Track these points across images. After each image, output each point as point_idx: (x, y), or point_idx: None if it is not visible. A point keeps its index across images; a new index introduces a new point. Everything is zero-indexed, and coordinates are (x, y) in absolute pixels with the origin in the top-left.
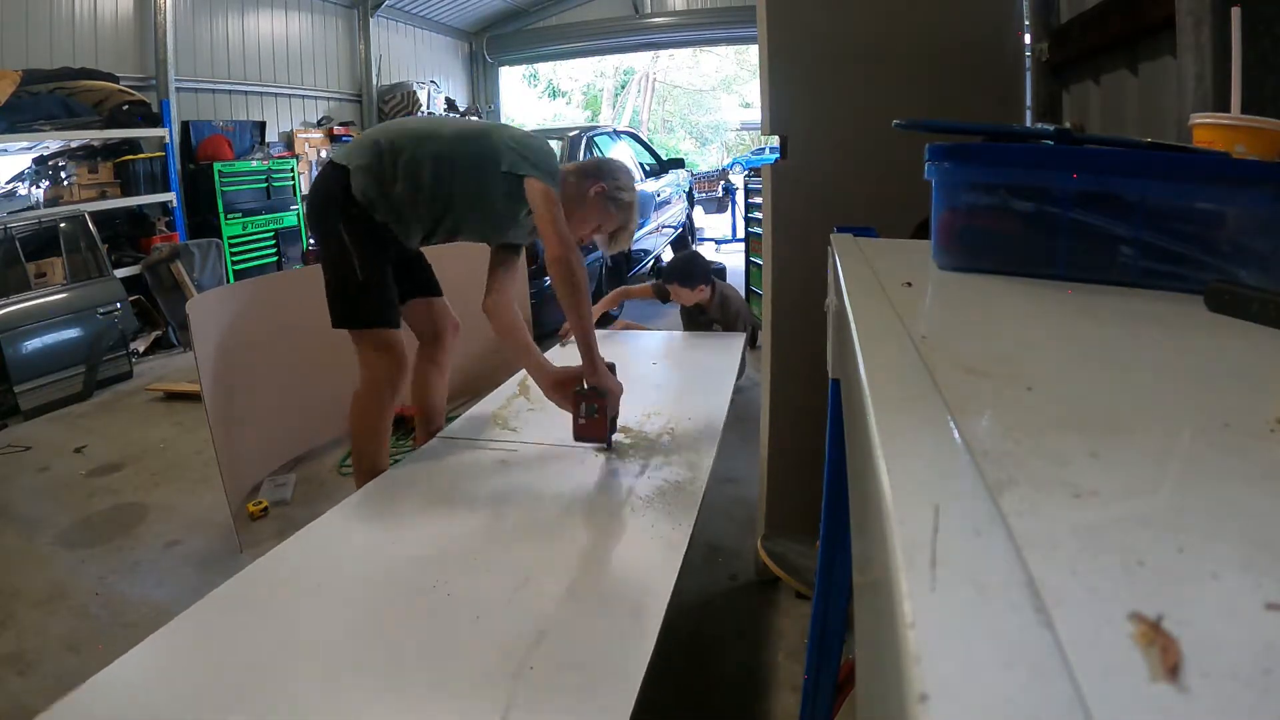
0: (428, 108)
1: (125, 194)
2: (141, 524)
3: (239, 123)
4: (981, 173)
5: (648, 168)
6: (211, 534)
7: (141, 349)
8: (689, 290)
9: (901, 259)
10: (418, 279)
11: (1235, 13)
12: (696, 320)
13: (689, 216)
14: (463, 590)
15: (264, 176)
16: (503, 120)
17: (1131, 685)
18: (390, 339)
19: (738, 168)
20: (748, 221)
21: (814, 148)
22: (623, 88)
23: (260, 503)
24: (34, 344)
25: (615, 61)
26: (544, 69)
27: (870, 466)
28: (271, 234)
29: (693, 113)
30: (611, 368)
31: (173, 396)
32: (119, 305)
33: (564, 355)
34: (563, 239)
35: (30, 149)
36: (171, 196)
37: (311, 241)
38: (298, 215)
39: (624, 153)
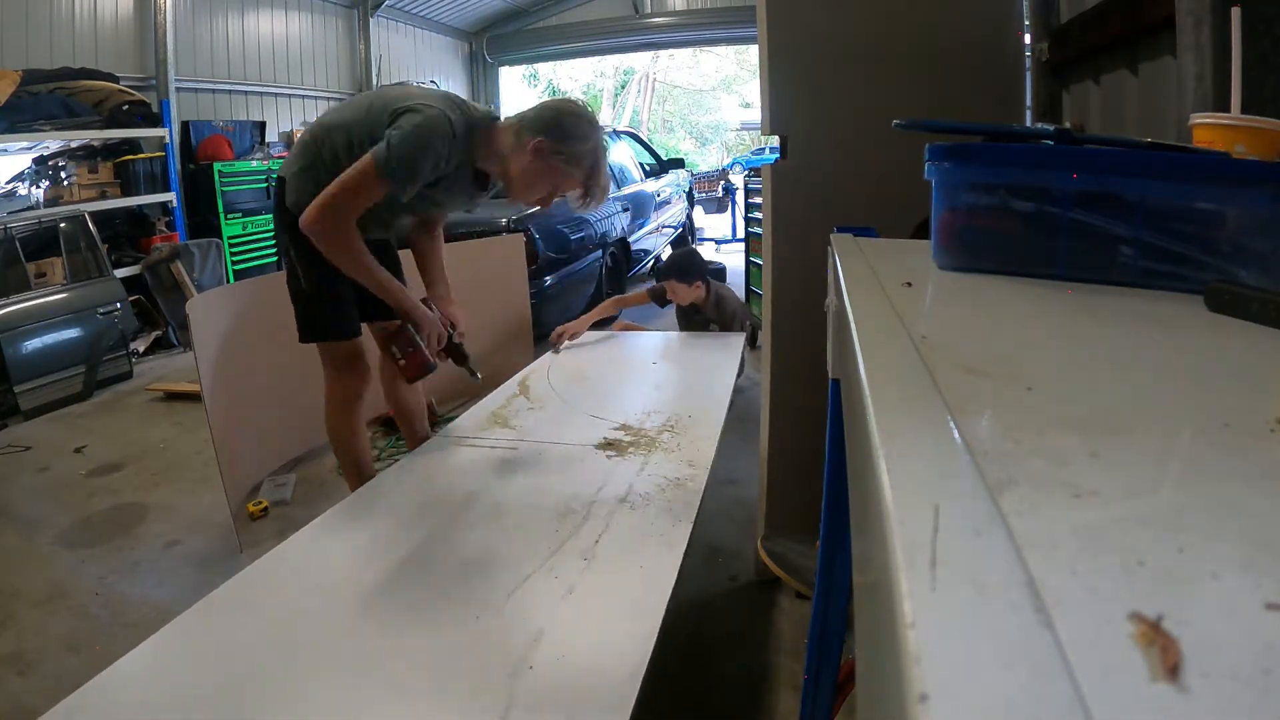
0: None
1: (125, 194)
2: (141, 524)
3: (239, 123)
4: (981, 173)
5: (648, 168)
6: (211, 534)
7: (141, 349)
8: (686, 286)
9: (901, 259)
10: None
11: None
12: (692, 320)
13: (689, 216)
14: (463, 590)
15: (264, 176)
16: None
17: (1131, 685)
18: (346, 350)
19: (738, 168)
20: (748, 221)
21: (814, 148)
22: (623, 88)
23: (260, 503)
24: (34, 344)
25: (615, 61)
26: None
27: (870, 466)
28: (271, 234)
29: (693, 113)
30: (428, 303)
31: (173, 396)
32: (119, 305)
33: (558, 360)
34: (319, 210)
35: (30, 149)
36: (171, 196)
37: None
38: None
39: (624, 153)
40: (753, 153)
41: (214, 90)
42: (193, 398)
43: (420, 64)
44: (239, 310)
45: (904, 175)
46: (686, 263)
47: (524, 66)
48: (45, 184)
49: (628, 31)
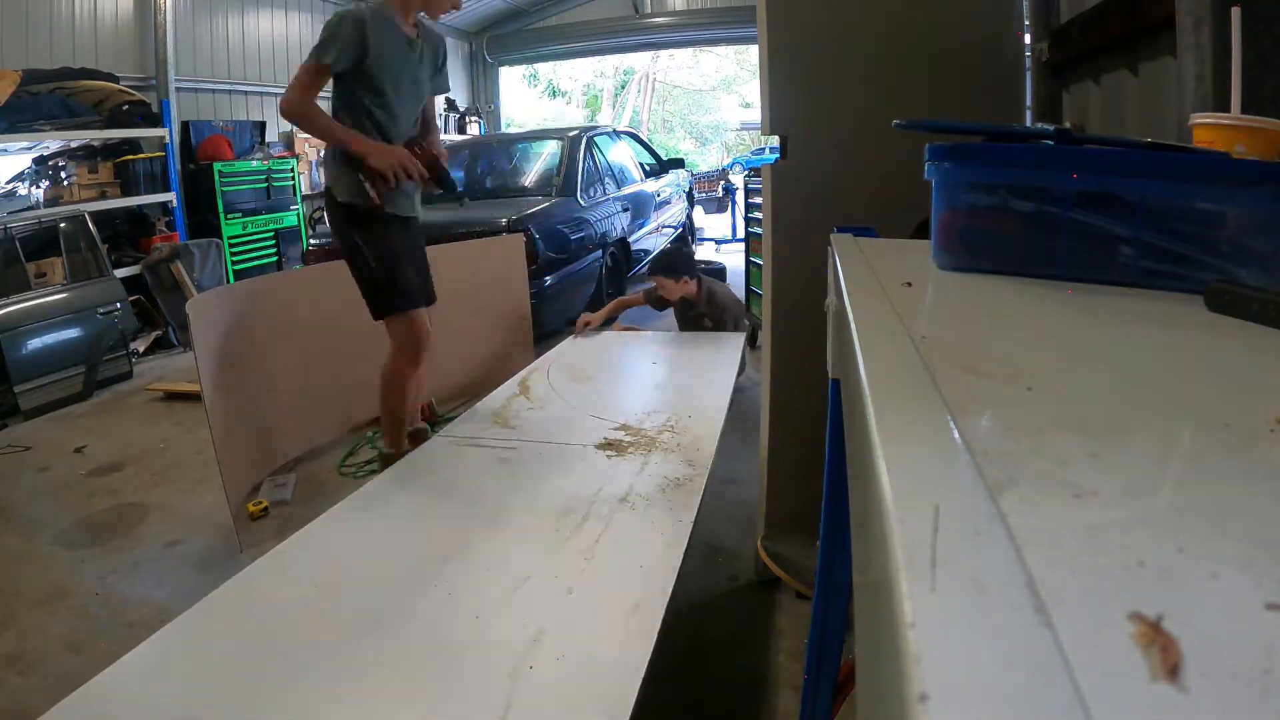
0: None
1: (125, 194)
2: (141, 524)
3: (239, 123)
4: (981, 173)
5: (648, 168)
6: (211, 534)
7: (141, 349)
8: (674, 282)
9: (901, 259)
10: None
11: (1235, 13)
12: (688, 317)
13: (689, 216)
14: (463, 590)
15: (264, 176)
16: (502, 122)
17: (1131, 685)
18: (415, 316)
19: (738, 168)
20: (748, 221)
21: (814, 148)
22: (623, 88)
23: (260, 503)
24: (34, 344)
25: (615, 61)
26: (544, 69)
27: (870, 466)
28: (271, 234)
29: (693, 113)
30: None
31: (173, 396)
32: (119, 305)
33: (558, 360)
34: (288, 96)
35: (30, 149)
36: (171, 196)
37: (312, 242)
38: (298, 215)
39: (624, 153)
40: (753, 153)
41: (214, 90)
42: (193, 398)
43: None
44: (239, 310)
45: (904, 175)
46: (671, 259)
47: (524, 66)
48: (45, 184)
49: (628, 31)
